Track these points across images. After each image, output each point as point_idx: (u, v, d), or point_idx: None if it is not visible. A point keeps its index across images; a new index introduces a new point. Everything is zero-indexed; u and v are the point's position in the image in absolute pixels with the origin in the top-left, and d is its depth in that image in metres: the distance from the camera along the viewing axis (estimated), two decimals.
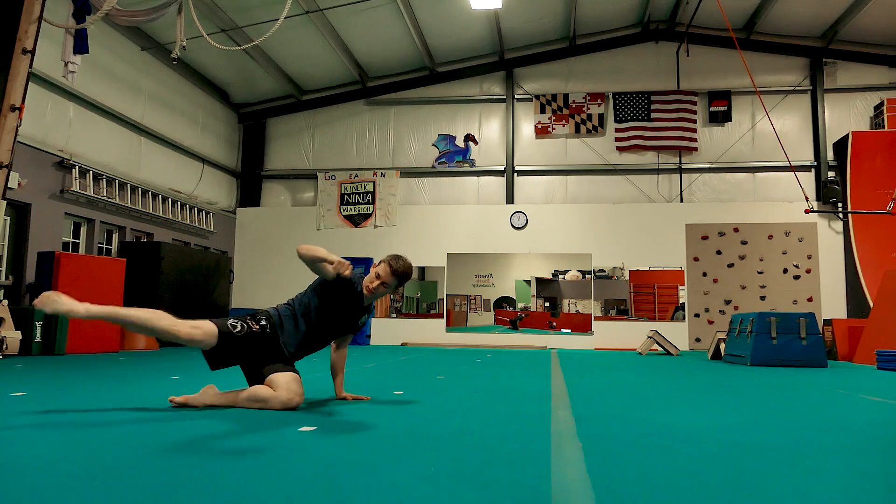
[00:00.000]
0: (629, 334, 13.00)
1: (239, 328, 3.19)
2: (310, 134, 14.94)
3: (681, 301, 13.22)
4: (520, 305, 13.71)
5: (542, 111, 14.21)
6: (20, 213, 9.08)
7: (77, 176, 9.82)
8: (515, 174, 14.18)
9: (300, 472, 1.82)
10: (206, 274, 12.26)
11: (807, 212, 11.42)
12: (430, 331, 13.76)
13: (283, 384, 3.10)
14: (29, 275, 8.94)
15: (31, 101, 7.39)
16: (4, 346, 7.33)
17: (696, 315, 13.15)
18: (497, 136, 14.41)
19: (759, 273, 13.12)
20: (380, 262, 3.45)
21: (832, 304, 12.80)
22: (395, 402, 3.59)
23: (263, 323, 3.28)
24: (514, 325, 13.66)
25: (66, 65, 7.48)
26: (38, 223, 9.23)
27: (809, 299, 12.91)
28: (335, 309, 3.39)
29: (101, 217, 10.64)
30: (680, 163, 13.83)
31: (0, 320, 7.44)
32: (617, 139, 13.98)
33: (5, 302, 7.72)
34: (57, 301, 2.88)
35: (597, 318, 13.40)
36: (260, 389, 3.14)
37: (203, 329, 3.10)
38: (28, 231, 9.07)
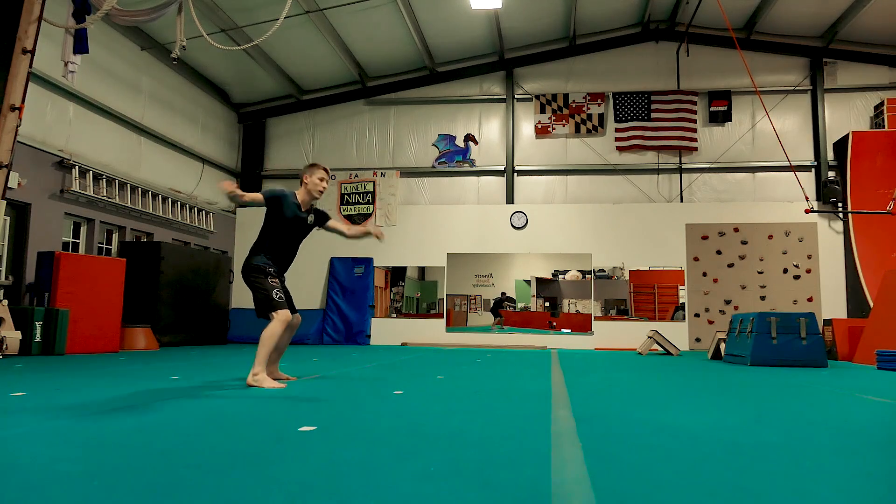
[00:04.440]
0: (629, 334, 13.00)
1: (280, 294, 4.39)
2: (310, 134, 14.94)
3: (681, 301, 13.22)
4: (520, 305, 13.71)
5: (542, 111, 14.21)
6: (20, 213, 9.08)
7: (77, 176, 9.81)
8: (515, 174, 14.18)
9: (300, 472, 1.82)
10: (206, 274, 12.26)
11: (807, 212, 11.42)
12: (430, 331, 13.75)
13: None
14: (29, 275, 8.94)
15: (31, 101, 7.39)
16: (4, 346, 7.33)
17: (696, 315, 13.15)
18: (497, 136, 14.41)
19: (759, 273, 13.11)
20: (311, 172, 4.55)
21: (832, 304, 12.80)
22: (396, 402, 3.59)
23: (277, 279, 4.50)
24: (495, 311, 13.63)
25: (66, 65, 7.48)
26: (38, 223, 9.22)
27: (809, 299, 12.91)
28: (289, 229, 4.57)
29: (101, 217, 10.64)
30: (680, 163, 13.83)
31: (0, 320, 7.44)
32: (617, 139, 13.98)
33: (5, 302, 7.72)
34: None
35: (597, 318, 13.39)
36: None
37: (283, 318, 4.30)
38: (28, 231, 9.07)
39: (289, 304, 4.47)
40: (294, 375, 5.01)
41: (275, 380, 4.48)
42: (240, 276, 4.57)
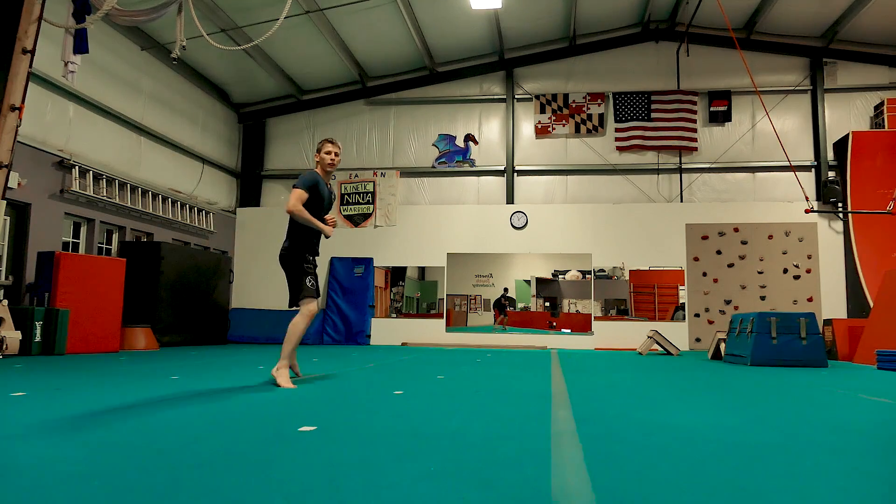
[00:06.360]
0: (629, 334, 13.00)
1: (314, 285, 4.57)
2: (310, 134, 14.94)
3: (681, 301, 13.22)
4: (520, 305, 13.71)
5: (542, 111, 14.21)
6: (20, 213, 9.08)
7: (77, 176, 9.81)
8: (515, 174, 14.17)
9: (300, 472, 1.82)
10: (206, 274, 12.26)
11: (807, 212, 11.42)
12: (430, 331, 13.75)
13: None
14: (29, 275, 8.94)
15: (31, 101, 7.39)
16: (4, 346, 7.33)
17: (696, 315, 13.15)
18: (497, 136, 14.41)
19: (759, 273, 13.11)
20: (319, 148, 4.66)
21: (832, 304, 12.80)
22: (396, 402, 3.59)
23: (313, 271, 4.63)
24: (502, 309, 13.64)
25: (66, 65, 7.47)
26: (38, 223, 9.22)
27: (809, 299, 12.91)
28: (322, 209, 4.66)
29: (101, 217, 10.64)
30: (680, 163, 13.83)
31: (0, 320, 7.44)
32: (617, 139, 13.98)
33: (5, 302, 7.72)
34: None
35: (597, 318, 13.39)
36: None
37: (312, 309, 4.47)
38: (28, 231, 9.07)
39: (316, 293, 4.64)
40: (301, 373, 5.20)
41: (290, 370, 4.80)
42: (277, 262, 4.67)
